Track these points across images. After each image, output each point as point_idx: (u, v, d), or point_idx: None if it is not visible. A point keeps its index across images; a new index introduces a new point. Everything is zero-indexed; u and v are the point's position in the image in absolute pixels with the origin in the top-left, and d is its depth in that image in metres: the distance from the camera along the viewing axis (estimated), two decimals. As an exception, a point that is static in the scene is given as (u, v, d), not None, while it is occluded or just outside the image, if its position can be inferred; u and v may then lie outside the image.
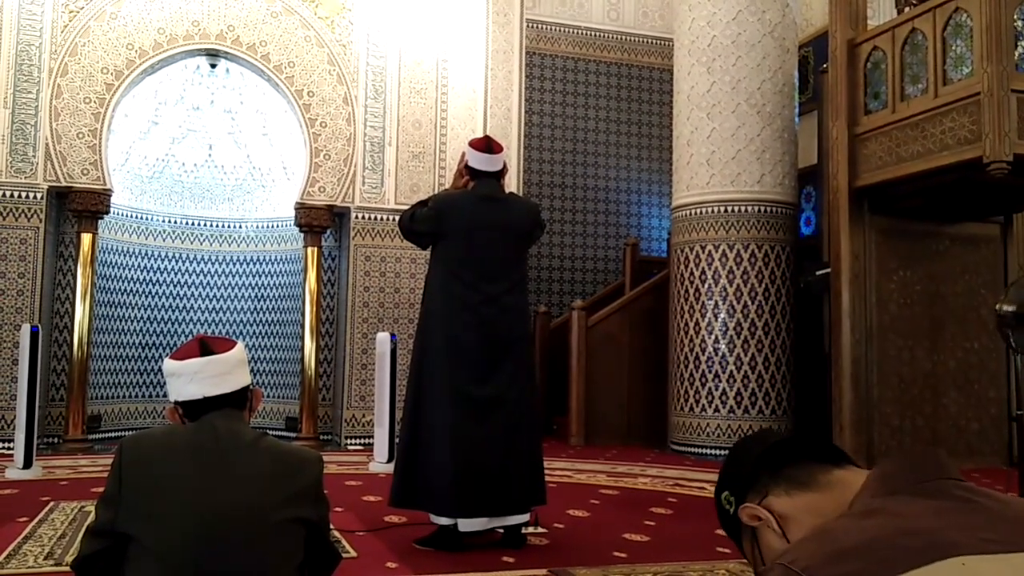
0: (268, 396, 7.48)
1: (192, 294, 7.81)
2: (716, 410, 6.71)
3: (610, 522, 4.06)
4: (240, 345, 1.77)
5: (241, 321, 7.83)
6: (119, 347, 7.37)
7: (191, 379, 1.68)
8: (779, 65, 6.94)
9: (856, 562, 0.81)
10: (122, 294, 7.41)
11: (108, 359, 7.25)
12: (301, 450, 1.78)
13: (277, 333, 7.70)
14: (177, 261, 7.76)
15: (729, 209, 6.83)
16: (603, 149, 9.80)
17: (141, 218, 7.56)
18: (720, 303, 6.77)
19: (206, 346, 1.72)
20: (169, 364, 1.71)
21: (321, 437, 7.06)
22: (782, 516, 1.02)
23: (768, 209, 6.82)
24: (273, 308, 7.76)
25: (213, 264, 7.87)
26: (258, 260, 7.86)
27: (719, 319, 6.76)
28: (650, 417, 7.49)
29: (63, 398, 6.63)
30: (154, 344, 7.57)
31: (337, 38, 7.20)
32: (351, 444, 6.97)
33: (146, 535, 1.53)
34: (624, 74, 9.91)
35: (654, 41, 9.94)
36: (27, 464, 5.05)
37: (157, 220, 7.67)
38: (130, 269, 7.49)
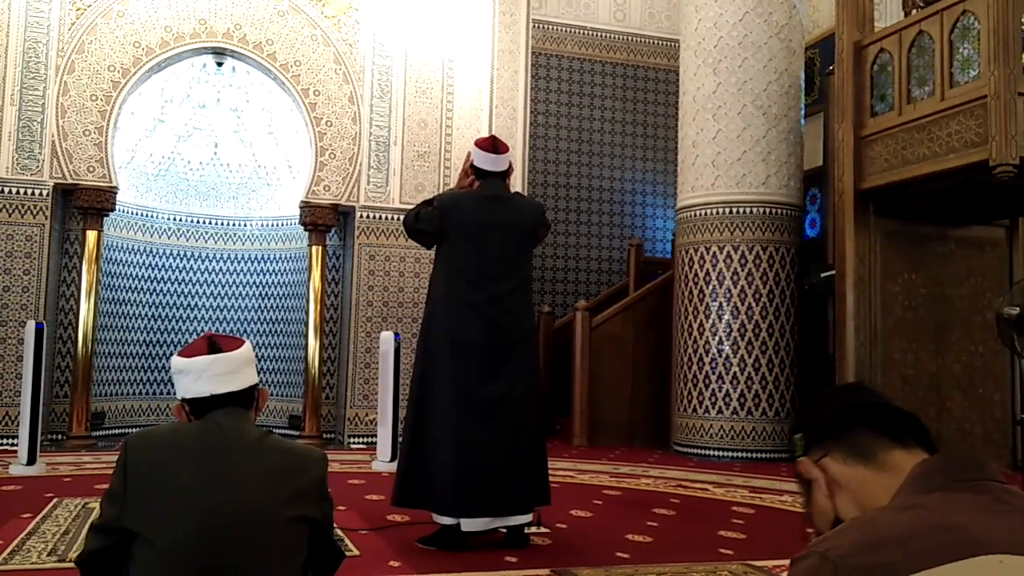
0: (272, 394, 7.49)
1: (197, 292, 7.83)
2: (720, 411, 6.70)
3: (613, 523, 4.06)
4: (248, 344, 1.78)
5: (245, 319, 7.84)
6: (123, 344, 7.38)
7: (199, 376, 1.68)
8: (785, 67, 6.93)
9: (891, 553, 0.82)
10: (127, 291, 7.42)
11: (112, 356, 7.27)
12: (306, 449, 1.78)
13: (281, 331, 7.71)
14: (182, 259, 7.78)
15: (734, 210, 6.82)
16: (608, 150, 9.80)
17: (146, 216, 7.57)
18: (724, 304, 6.77)
19: (214, 344, 1.72)
20: (177, 361, 1.72)
21: (324, 436, 7.07)
22: (834, 480, 1.06)
23: (773, 211, 6.81)
24: (277, 306, 7.78)
25: (218, 262, 7.88)
26: (263, 258, 7.87)
27: (723, 320, 6.75)
28: (653, 418, 7.49)
29: (67, 395, 6.64)
30: (158, 342, 7.58)
31: (343, 37, 7.21)
32: (354, 443, 6.98)
33: (151, 532, 1.54)
34: (630, 75, 9.91)
35: (660, 42, 9.94)
36: (31, 460, 5.06)
37: (162, 218, 7.68)
38: (135, 267, 7.50)
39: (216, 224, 7.87)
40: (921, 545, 0.83)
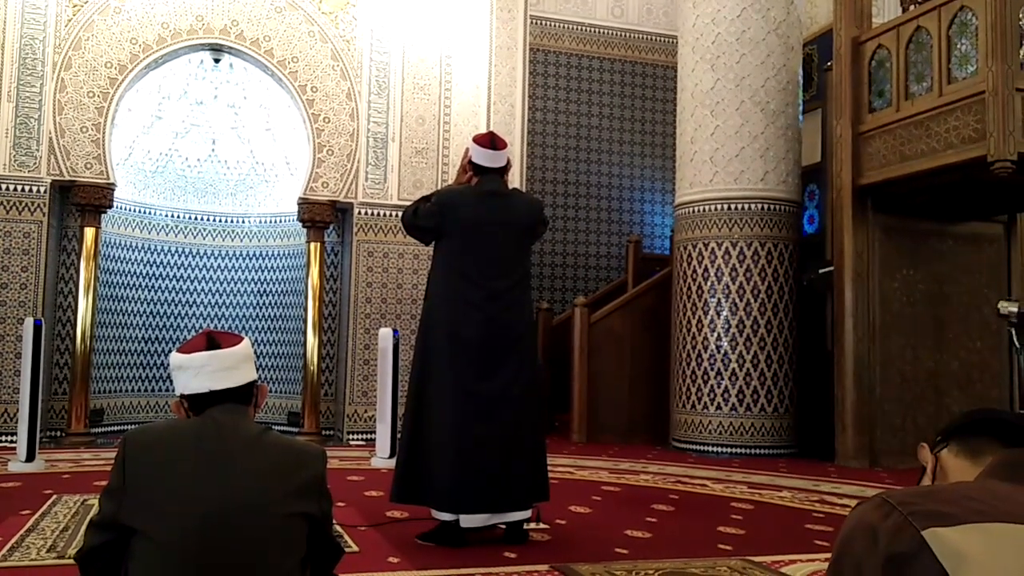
0: (271, 391, 7.49)
1: (195, 288, 7.82)
2: (718, 408, 6.71)
3: (612, 519, 4.07)
4: (247, 340, 1.78)
5: (244, 316, 7.84)
6: (122, 341, 7.38)
7: (197, 372, 1.68)
8: (783, 63, 6.93)
9: (949, 505, 0.90)
10: (125, 288, 7.42)
11: (111, 353, 7.26)
12: (304, 445, 1.78)
13: (280, 328, 7.71)
14: (180, 256, 7.77)
15: (732, 207, 6.82)
16: (606, 146, 9.80)
17: (144, 212, 7.57)
18: (723, 301, 6.77)
19: (213, 340, 1.72)
20: (176, 357, 1.72)
21: (323, 432, 7.07)
22: (943, 469, 1.18)
23: (771, 207, 6.81)
24: (276, 303, 7.77)
25: (216, 259, 7.88)
26: (261, 255, 7.87)
27: (721, 317, 6.76)
28: (652, 414, 7.50)
29: (66, 392, 6.64)
30: (157, 338, 7.58)
31: (341, 33, 7.20)
32: (353, 439, 6.98)
33: (149, 528, 1.54)
34: (628, 71, 9.90)
35: (658, 38, 9.93)
36: (30, 457, 5.06)
37: (160, 215, 7.67)
38: (133, 263, 7.49)
39: (214, 221, 7.86)
40: (979, 505, 0.91)
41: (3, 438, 6.16)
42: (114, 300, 7.30)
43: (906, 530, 0.88)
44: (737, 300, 6.74)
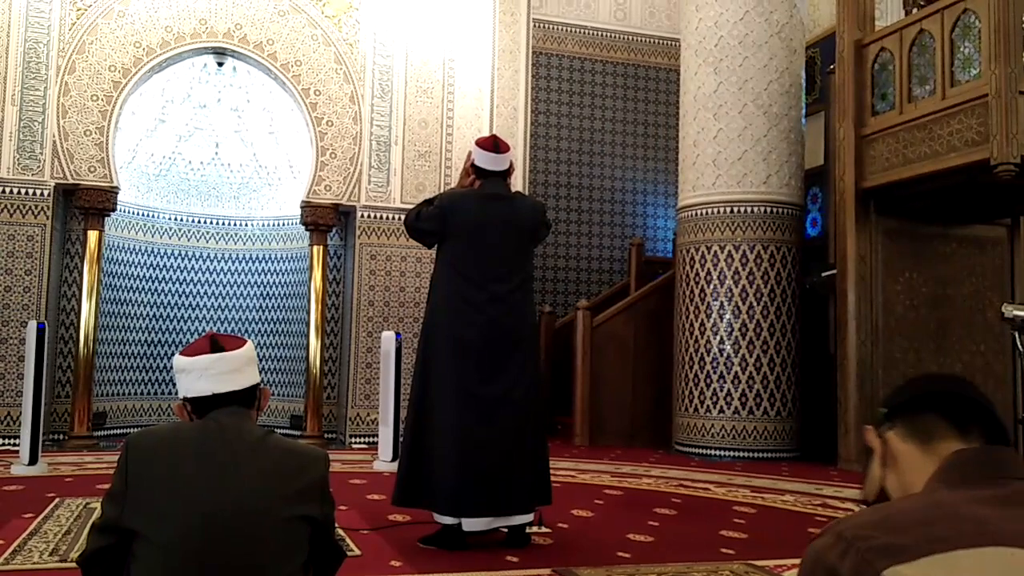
0: (273, 394, 7.49)
1: (198, 292, 7.83)
2: (721, 411, 6.70)
3: (614, 522, 4.06)
4: (250, 344, 1.78)
5: (247, 319, 7.85)
6: (125, 344, 7.39)
7: (200, 375, 1.68)
8: (786, 66, 6.93)
9: (905, 536, 0.85)
10: (128, 291, 7.43)
11: (114, 356, 7.27)
12: (307, 448, 1.78)
13: (282, 331, 7.72)
14: (183, 259, 7.78)
15: (735, 210, 6.82)
16: (609, 149, 9.80)
17: (147, 216, 7.58)
18: (725, 304, 6.76)
19: (216, 343, 1.72)
20: (179, 360, 1.72)
21: (326, 435, 7.08)
22: (892, 453, 1.10)
23: (774, 210, 6.81)
24: (278, 306, 7.78)
25: (219, 262, 7.89)
26: (264, 258, 7.88)
27: (724, 320, 6.75)
28: (655, 417, 7.49)
29: (69, 395, 6.65)
30: (160, 341, 7.59)
31: (344, 37, 7.21)
32: (355, 442, 6.98)
33: (152, 531, 1.54)
34: (631, 74, 9.91)
35: (661, 41, 9.93)
36: (33, 460, 5.06)
37: (163, 218, 7.68)
38: (136, 267, 7.51)
39: (217, 224, 7.87)
40: (936, 531, 0.85)
41: (6, 441, 6.16)
42: (117, 303, 7.31)
43: (865, 571, 0.84)
44: (740, 303, 6.73)
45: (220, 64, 7.22)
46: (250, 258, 7.90)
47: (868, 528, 0.88)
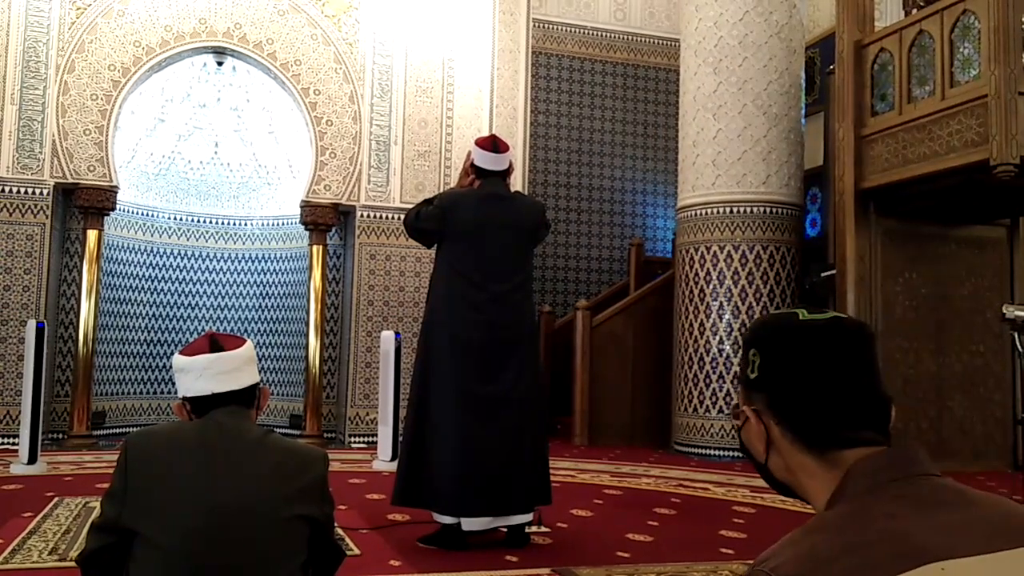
0: (273, 394, 7.49)
1: (197, 291, 7.83)
2: (720, 411, 6.70)
3: (613, 522, 4.06)
4: (249, 343, 1.78)
5: (246, 319, 7.84)
6: (124, 343, 7.38)
7: (200, 375, 1.68)
8: (786, 66, 6.93)
9: (839, 569, 0.80)
10: (127, 291, 7.43)
11: (113, 355, 7.27)
12: (306, 448, 1.78)
13: (282, 331, 7.72)
14: (182, 258, 7.78)
15: (734, 210, 6.82)
16: (609, 149, 9.79)
17: (147, 215, 7.58)
18: (725, 304, 6.76)
19: (216, 343, 1.72)
20: (178, 359, 1.72)
21: (325, 435, 7.07)
22: (779, 450, 0.99)
23: (773, 210, 6.81)
24: (278, 306, 7.78)
25: (218, 261, 7.88)
26: (263, 258, 7.87)
27: (724, 320, 6.75)
28: (654, 417, 7.49)
29: (68, 394, 6.65)
30: (159, 341, 7.58)
31: (344, 36, 7.21)
32: (355, 442, 6.98)
33: (151, 531, 1.54)
34: (630, 74, 9.91)
35: (660, 41, 9.93)
36: (32, 460, 5.06)
37: (163, 217, 7.68)
38: (136, 266, 7.50)
39: (217, 223, 7.87)
40: (867, 558, 0.80)
41: (5, 440, 6.16)
42: (116, 302, 7.31)
43: None
44: (739, 303, 6.73)
45: (220, 63, 7.22)
46: (250, 258, 7.89)
47: (800, 565, 0.82)
